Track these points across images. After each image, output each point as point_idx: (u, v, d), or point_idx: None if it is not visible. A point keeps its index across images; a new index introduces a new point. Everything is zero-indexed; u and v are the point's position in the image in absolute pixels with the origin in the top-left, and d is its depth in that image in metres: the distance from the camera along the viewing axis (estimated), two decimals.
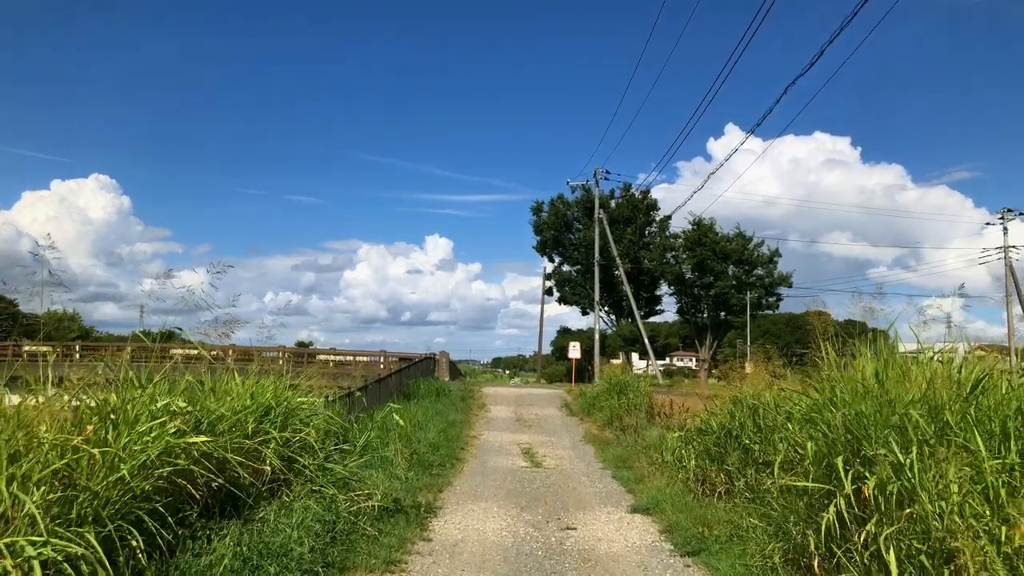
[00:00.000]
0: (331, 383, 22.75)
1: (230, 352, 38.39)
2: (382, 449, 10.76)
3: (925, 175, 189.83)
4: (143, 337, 8.62)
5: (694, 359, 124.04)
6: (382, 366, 33.98)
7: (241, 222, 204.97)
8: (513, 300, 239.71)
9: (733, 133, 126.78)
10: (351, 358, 35.84)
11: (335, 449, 8.35)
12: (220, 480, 6.00)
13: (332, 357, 36.94)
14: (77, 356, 36.41)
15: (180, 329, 7.96)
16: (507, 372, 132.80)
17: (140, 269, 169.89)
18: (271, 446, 7.04)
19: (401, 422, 9.02)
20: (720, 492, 8.74)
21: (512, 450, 15.15)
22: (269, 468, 6.89)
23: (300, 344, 75.97)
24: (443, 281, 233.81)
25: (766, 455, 7.54)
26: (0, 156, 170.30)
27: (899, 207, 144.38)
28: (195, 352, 7.92)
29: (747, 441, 8.28)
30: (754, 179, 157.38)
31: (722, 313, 53.92)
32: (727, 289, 50.91)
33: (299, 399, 8.49)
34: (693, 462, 9.87)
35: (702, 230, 50.91)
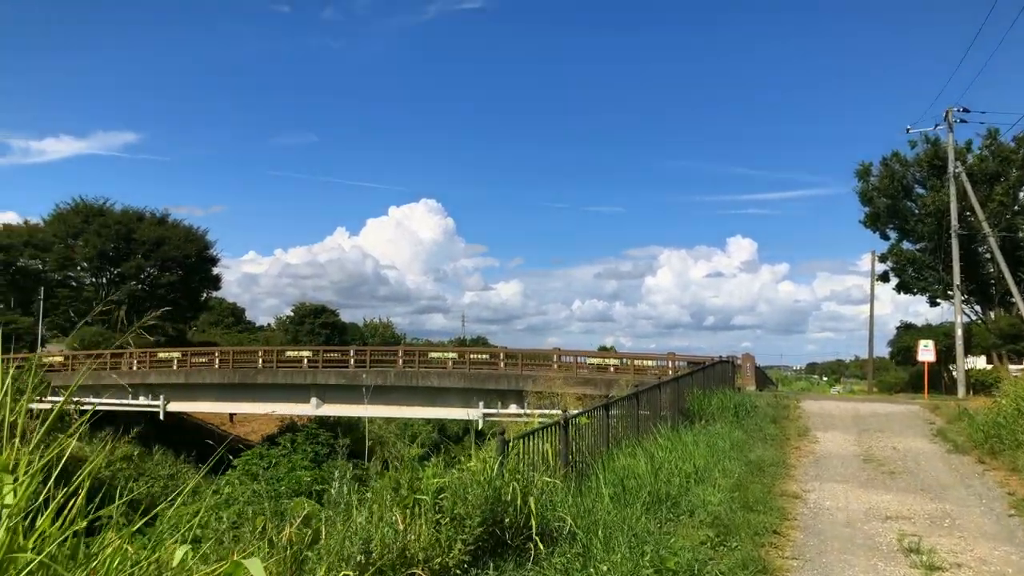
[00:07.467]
0: (580, 392, 17.06)
1: (500, 354, 34.76)
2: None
3: None
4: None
5: None
6: (670, 371, 27.58)
7: (547, 235, 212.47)
8: (825, 301, 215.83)
9: None
10: (628, 362, 29.84)
11: None
12: None
13: (608, 361, 31.34)
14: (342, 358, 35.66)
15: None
16: (825, 379, 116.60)
17: (462, 283, 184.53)
18: None
19: None
20: None
21: (876, 539, 7.89)
22: None
23: (602, 348, 73.60)
24: (747, 284, 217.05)
25: None
26: (349, 190, 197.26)
27: None
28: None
29: None
30: None
31: None
32: None
33: None
34: None
35: None
